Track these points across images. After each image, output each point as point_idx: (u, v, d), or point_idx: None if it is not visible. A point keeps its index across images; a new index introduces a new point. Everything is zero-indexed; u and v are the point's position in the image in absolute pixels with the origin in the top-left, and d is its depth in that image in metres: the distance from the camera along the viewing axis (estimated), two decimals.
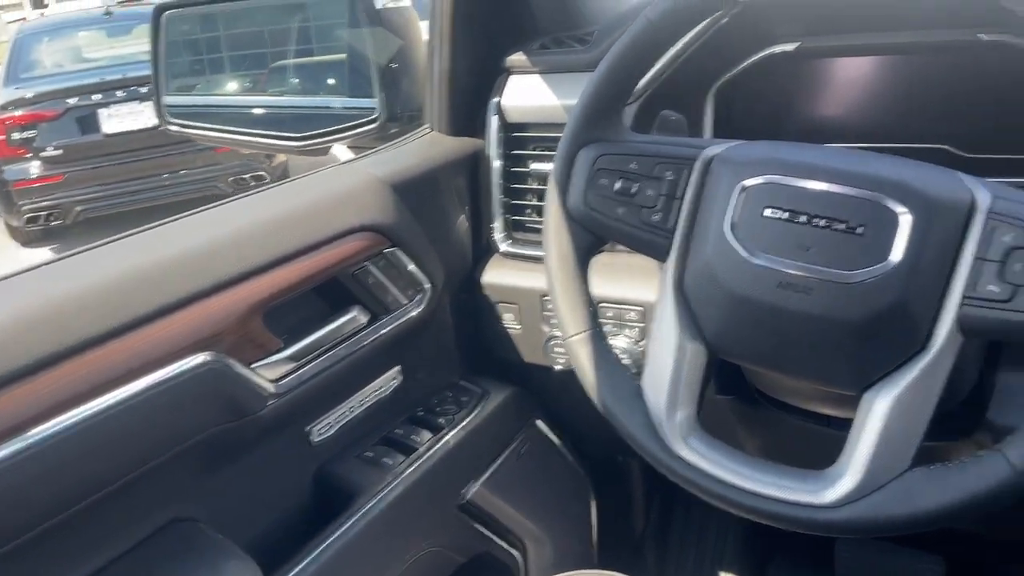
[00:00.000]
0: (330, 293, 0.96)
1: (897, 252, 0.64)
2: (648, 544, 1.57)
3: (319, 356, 0.93)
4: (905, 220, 0.64)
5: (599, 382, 0.77)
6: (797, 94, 1.05)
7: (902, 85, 1.00)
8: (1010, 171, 0.91)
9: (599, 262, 1.08)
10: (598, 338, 0.79)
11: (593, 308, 0.80)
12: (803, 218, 0.67)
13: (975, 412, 0.90)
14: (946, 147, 0.96)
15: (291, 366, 0.89)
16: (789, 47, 0.99)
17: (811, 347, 0.68)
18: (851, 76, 1.02)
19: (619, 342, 1.08)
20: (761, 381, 1.01)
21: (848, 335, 0.66)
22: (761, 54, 1.01)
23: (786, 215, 0.68)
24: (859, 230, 0.65)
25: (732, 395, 1.04)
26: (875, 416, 0.65)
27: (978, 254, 0.62)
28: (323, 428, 0.99)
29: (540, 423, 1.28)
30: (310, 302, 0.95)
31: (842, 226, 0.66)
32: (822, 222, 0.66)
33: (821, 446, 0.75)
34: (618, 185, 0.77)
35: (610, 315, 1.08)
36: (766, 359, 0.75)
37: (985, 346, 0.88)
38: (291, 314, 0.92)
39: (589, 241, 0.80)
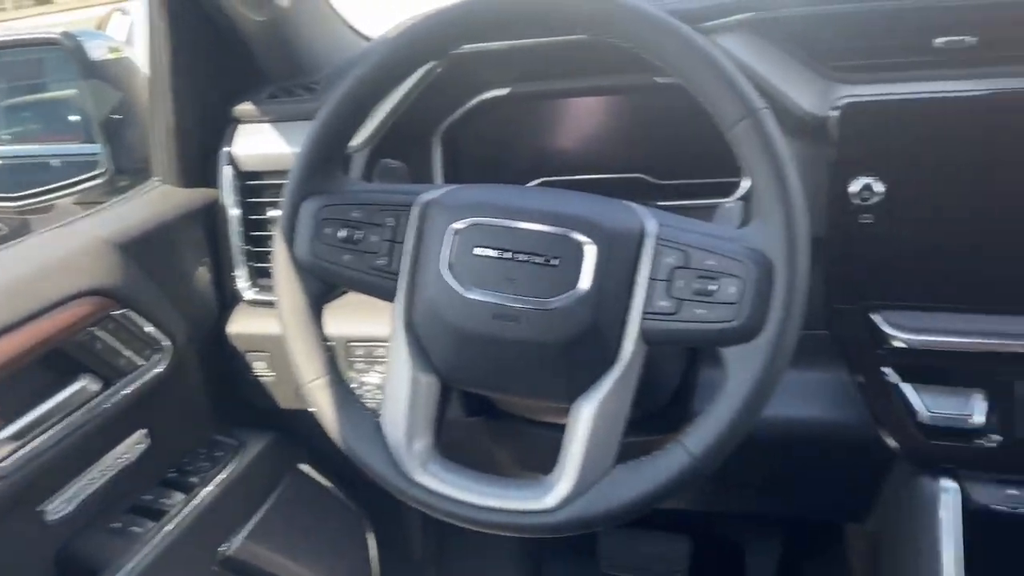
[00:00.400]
0: (56, 363, 0.91)
1: (585, 280, 0.72)
2: (428, 568, 1.61)
3: (47, 431, 0.88)
4: (590, 251, 0.72)
5: (339, 423, 0.80)
6: (519, 134, 1.15)
7: (606, 122, 1.12)
8: (693, 193, 1.05)
9: (346, 302, 1.12)
10: (336, 382, 0.82)
11: (330, 353, 0.83)
12: (508, 254, 0.74)
13: (683, 406, 1.02)
14: (642, 176, 1.09)
15: (13, 446, 0.84)
16: (502, 92, 1.08)
17: (525, 369, 0.76)
18: (565, 115, 1.13)
19: (371, 378, 1.11)
20: (503, 400, 1.08)
21: (553, 355, 0.73)
22: (476, 100, 1.09)
23: (494, 252, 0.75)
24: (553, 262, 0.73)
25: (480, 416, 1.11)
26: (582, 424, 0.73)
27: (651, 275, 0.72)
28: (59, 505, 0.93)
29: (304, 467, 1.28)
30: (33, 376, 0.90)
31: (540, 259, 0.73)
32: (523, 257, 0.74)
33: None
34: (342, 233, 0.80)
35: (360, 353, 1.11)
36: (490, 384, 0.81)
37: (685, 349, 1.01)
38: (11, 391, 0.86)
39: (320, 288, 0.83)
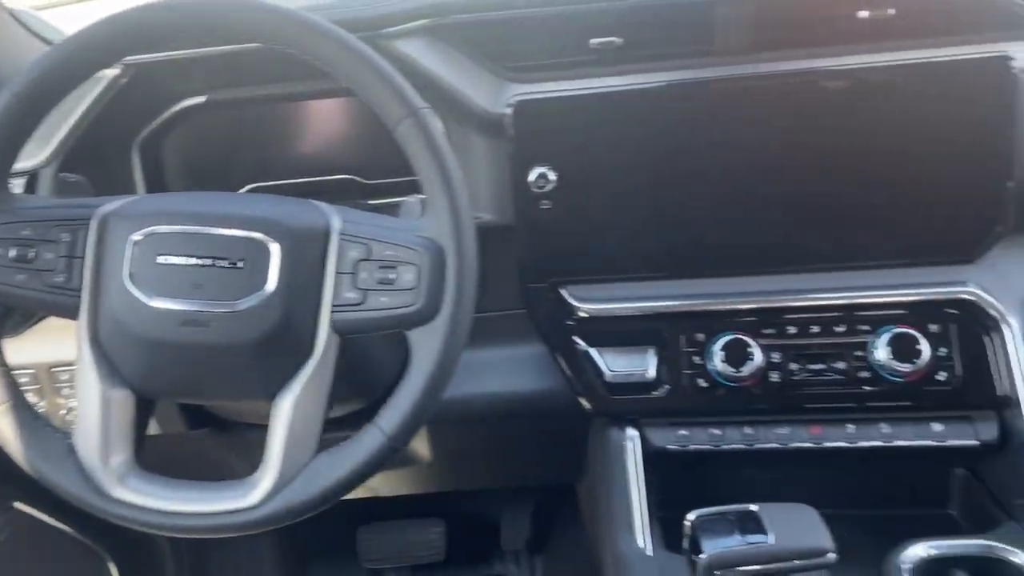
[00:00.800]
0: None
1: (272, 279, 0.75)
2: None
3: None
4: (275, 250, 0.75)
5: (25, 448, 0.77)
6: (227, 141, 1.14)
7: (316, 125, 1.15)
8: (399, 191, 1.10)
9: (47, 326, 1.06)
10: (20, 407, 0.79)
11: (11, 378, 0.79)
12: (193, 260, 0.75)
13: None
14: (353, 177, 1.13)
15: None
16: (198, 100, 1.08)
17: (220, 372, 0.77)
18: (274, 121, 1.14)
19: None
20: (224, 408, 1.08)
21: (247, 356, 0.75)
22: (174, 109, 1.08)
23: (178, 260, 0.75)
24: (240, 264, 0.75)
25: (205, 427, 1.10)
26: (282, 418, 0.75)
27: (338, 269, 0.76)
28: None
29: (21, 505, 1.20)
30: None
31: (225, 263, 0.75)
32: (208, 262, 0.75)
33: None
34: (13, 253, 0.77)
35: (65, 378, 1.06)
36: (188, 391, 0.82)
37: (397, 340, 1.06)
38: None
39: None
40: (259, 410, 1.04)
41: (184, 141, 1.12)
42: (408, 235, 0.76)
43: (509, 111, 0.99)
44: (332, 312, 0.76)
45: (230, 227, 0.76)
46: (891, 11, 0.96)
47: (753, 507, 0.81)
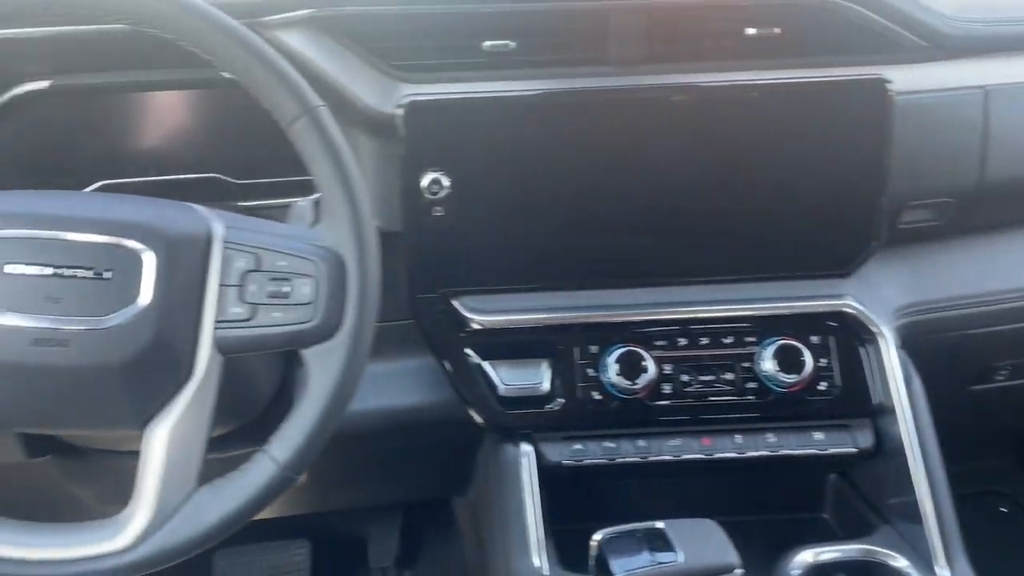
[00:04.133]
0: None
1: (146, 292, 0.66)
2: None
3: None
4: (149, 260, 0.66)
5: None
6: (73, 132, 1.02)
7: (177, 118, 1.04)
8: (275, 192, 1.02)
9: None
10: None
11: None
12: (49, 270, 0.65)
13: (283, 412, 1.00)
14: (218, 175, 1.03)
15: None
16: (41, 85, 0.95)
17: (82, 398, 0.67)
18: (128, 111, 1.03)
19: None
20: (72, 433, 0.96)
21: (115, 379, 0.66)
22: (10, 94, 0.95)
23: (30, 269, 0.65)
24: (107, 275, 0.65)
25: (48, 455, 0.97)
26: (155, 448, 0.67)
27: (222, 281, 0.68)
28: None
29: None
30: None
31: (89, 273, 0.65)
32: (67, 272, 0.65)
33: None
34: None
35: None
36: (43, 420, 0.72)
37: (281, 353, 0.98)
38: None
39: None
40: (115, 433, 0.93)
41: (22, 131, 0.99)
42: (303, 243, 0.70)
43: (400, 112, 0.94)
44: (215, 329, 0.68)
45: (96, 232, 0.66)
46: (777, 30, 0.98)
47: (659, 524, 0.80)
